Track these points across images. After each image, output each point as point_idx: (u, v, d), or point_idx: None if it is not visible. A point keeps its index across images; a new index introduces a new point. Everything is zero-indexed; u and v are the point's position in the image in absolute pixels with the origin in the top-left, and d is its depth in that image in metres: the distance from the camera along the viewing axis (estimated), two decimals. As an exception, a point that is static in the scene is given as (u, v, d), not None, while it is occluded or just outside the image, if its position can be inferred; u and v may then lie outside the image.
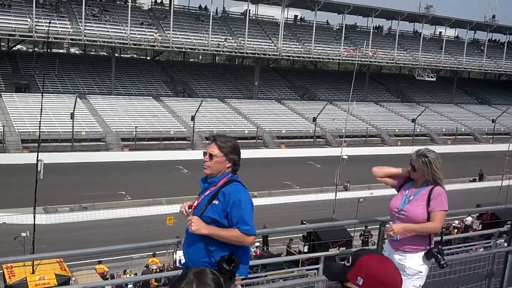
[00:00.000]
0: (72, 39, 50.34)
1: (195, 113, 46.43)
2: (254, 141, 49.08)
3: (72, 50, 71.81)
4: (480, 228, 25.91)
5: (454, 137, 60.36)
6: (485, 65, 75.50)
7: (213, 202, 3.84)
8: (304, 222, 20.81)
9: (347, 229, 23.16)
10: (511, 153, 35.75)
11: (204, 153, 4.02)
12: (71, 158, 39.18)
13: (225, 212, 3.81)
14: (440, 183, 4.56)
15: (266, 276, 10.17)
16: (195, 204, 4.00)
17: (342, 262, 2.33)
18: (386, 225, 4.80)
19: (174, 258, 20.84)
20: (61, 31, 49.04)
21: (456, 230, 26.48)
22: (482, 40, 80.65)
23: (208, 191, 3.96)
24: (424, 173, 4.49)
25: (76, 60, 59.63)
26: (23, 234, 19.81)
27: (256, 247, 23.48)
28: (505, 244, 6.99)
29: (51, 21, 47.67)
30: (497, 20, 73.88)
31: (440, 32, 79.33)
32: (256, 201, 34.83)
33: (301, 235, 23.58)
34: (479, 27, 75.73)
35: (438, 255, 4.52)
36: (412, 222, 4.50)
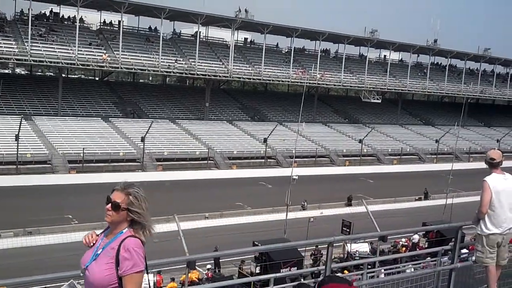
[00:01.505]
0: (17, 59, 48.98)
1: (145, 134, 45.93)
2: (206, 162, 48.89)
3: (18, 70, 69.90)
4: (426, 246, 26.64)
5: (399, 157, 62.02)
6: (428, 87, 78.38)
7: None
8: (256, 243, 20.83)
9: (298, 249, 23.32)
10: (454, 172, 36.99)
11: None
12: (16, 181, 37.91)
13: None
14: (143, 232, 3.41)
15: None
16: None
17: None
18: None
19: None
20: (6, 51, 47.70)
21: (403, 248, 27.06)
22: (425, 63, 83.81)
23: None
24: (131, 212, 3.36)
25: (22, 81, 58.07)
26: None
27: (208, 269, 23.29)
28: (449, 262, 7.22)
29: (-5, 41, 46.45)
30: (439, 44, 76.95)
31: (385, 56, 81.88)
32: (208, 223, 34.55)
33: (253, 256, 23.55)
34: (422, 51, 78.71)
35: None
36: (97, 287, 3.30)
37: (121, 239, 3.31)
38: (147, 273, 3.39)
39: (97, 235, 3.49)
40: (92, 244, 3.45)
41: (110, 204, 3.35)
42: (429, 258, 17.61)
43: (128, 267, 3.23)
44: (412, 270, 13.17)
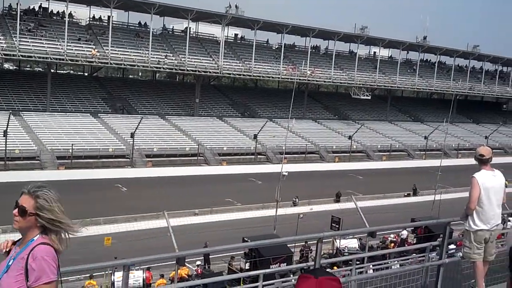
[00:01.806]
0: (5, 55, 48.52)
1: (135, 130, 45.74)
2: (195, 158, 48.82)
3: (6, 65, 69.21)
4: (414, 242, 26.82)
5: (388, 153, 62.31)
6: (417, 84, 78.75)
7: None
8: (246, 239, 20.83)
9: (288, 245, 23.37)
10: (443, 169, 37.23)
11: None
12: (4, 177, 37.54)
13: None
14: (60, 238, 3.09)
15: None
16: None
17: None
18: None
19: (112, 279, 20.33)
20: (-7, 45, 47.32)
21: (392, 244, 27.22)
22: (415, 60, 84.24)
23: None
24: (40, 218, 3.00)
25: (10, 76, 57.58)
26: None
27: (198, 265, 23.27)
28: (437, 257, 7.27)
29: (-17, 35, 45.97)
30: (428, 41, 77.30)
31: (375, 52, 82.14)
32: (197, 219, 34.39)
33: (243, 252, 23.59)
34: (412, 48, 79.01)
35: None
36: None
37: (31, 248, 2.97)
38: (61, 283, 3.08)
39: (14, 243, 3.15)
40: (5, 250, 3.13)
41: (17, 209, 3.01)
42: (414, 254, 17.73)
43: (37, 278, 2.90)
44: (399, 266, 13.25)
